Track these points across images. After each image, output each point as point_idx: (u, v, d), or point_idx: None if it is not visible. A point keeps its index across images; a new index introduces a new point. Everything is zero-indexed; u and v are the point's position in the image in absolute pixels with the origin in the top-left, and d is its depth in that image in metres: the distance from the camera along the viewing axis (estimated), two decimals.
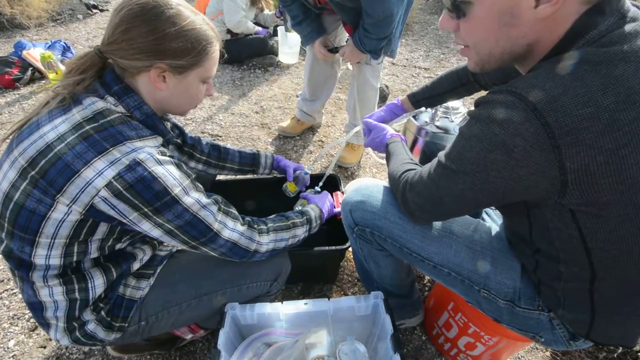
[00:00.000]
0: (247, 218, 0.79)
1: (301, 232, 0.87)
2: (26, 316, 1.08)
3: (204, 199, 0.69)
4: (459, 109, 1.27)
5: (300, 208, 0.97)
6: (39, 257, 0.64)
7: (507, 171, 0.48)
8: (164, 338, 1.00)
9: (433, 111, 1.26)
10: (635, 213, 0.47)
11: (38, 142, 0.60)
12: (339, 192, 1.12)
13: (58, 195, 0.59)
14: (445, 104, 1.26)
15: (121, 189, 0.59)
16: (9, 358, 0.98)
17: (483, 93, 1.08)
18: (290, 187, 1.15)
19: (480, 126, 0.49)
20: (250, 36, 2.57)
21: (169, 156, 0.66)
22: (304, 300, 0.87)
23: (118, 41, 0.63)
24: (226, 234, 0.72)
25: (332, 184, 1.20)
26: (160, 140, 0.69)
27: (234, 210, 0.77)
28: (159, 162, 0.63)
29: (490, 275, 0.70)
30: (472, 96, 1.05)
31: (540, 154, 0.44)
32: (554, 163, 0.44)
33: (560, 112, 0.42)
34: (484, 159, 0.49)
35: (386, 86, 2.36)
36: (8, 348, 1.00)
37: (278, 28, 2.55)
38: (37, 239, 0.62)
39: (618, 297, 0.58)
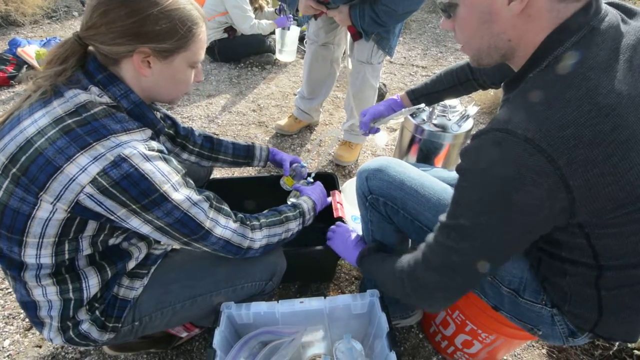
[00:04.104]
0: (240, 214, 0.78)
1: (295, 226, 0.86)
2: (21, 316, 1.07)
3: (195, 196, 0.67)
4: (456, 108, 1.27)
5: (293, 200, 0.96)
6: (29, 256, 0.62)
7: (524, 207, 0.47)
8: (159, 336, 0.99)
9: (430, 110, 1.26)
10: (638, 215, 0.48)
11: (18, 137, 0.58)
12: (336, 191, 1.12)
13: (41, 193, 0.56)
14: (442, 103, 1.26)
15: (107, 186, 0.57)
16: (4, 357, 0.98)
17: (481, 93, 1.08)
18: (287, 182, 1.13)
19: (480, 175, 0.49)
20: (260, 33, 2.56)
21: (158, 150, 0.63)
22: (300, 299, 0.86)
23: (97, 25, 0.59)
24: (218, 231, 0.71)
25: (329, 183, 1.20)
26: (149, 132, 0.67)
27: (226, 207, 0.75)
28: (146, 158, 0.60)
29: None
30: (469, 95, 1.05)
31: (546, 180, 0.44)
32: (560, 185, 0.45)
33: (549, 137, 0.44)
34: (497, 202, 0.48)
35: (384, 84, 2.35)
36: (3, 347, 0.99)
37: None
38: (24, 239, 0.60)
39: (625, 294, 0.58)
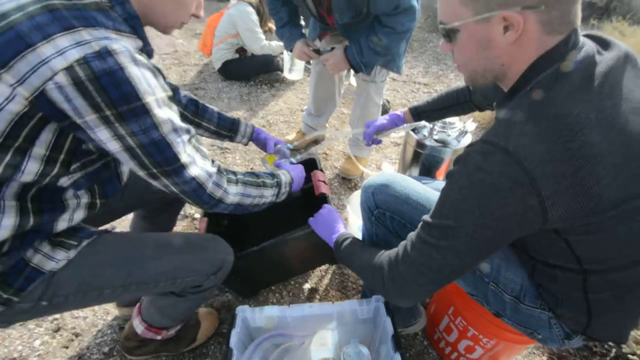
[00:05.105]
0: (217, 161, 0.72)
1: (269, 194, 0.82)
2: (50, 318, 1.14)
3: (178, 122, 0.60)
4: (455, 124, 1.35)
5: None
6: None
7: (500, 210, 0.53)
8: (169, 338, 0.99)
9: (431, 126, 1.34)
10: (609, 223, 0.54)
11: None
12: (317, 171, 1.10)
13: (1, 71, 0.48)
14: (442, 120, 1.34)
15: (83, 78, 0.49)
16: (35, 357, 1.04)
17: (477, 114, 1.16)
18: (269, 160, 1.11)
19: (466, 177, 0.55)
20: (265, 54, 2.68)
21: (147, 61, 0.57)
22: (310, 304, 0.93)
23: None
24: (194, 170, 0.64)
25: (311, 165, 1.18)
26: (140, 44, 0.60)
27: (204, 149, 0.69)
28: (135, 62, 0.53)
29: (502, 270, 0.74)
30: (467, 115, 1.13)
31: (521, 188, 0.50)
32: (533, 194, 0.50)
33: (526, 150, 0.50)
34: (479, 204, 0.54)
35: (387, 101, 2.45)
36: (34, 347, 1.06)
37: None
38: None
39: (611, 297, 0.63)
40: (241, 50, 2.67)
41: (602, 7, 4.26)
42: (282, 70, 2.81)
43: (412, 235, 0.65)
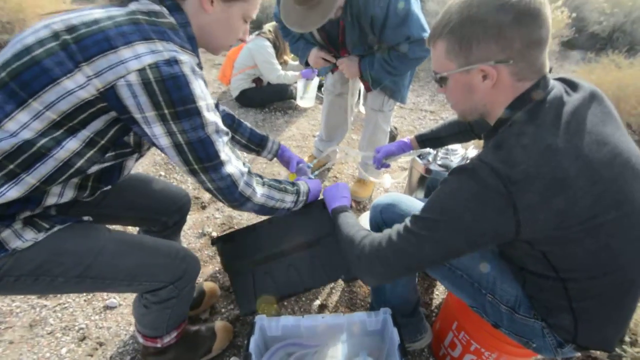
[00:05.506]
0: (247, 164, 0.80)
1: (289, 200, 0.90)
2: (76, 327, 1.22)
3: (221, 125, 0.70)
4: (457, 151, 1.45)
5: None
6: (15, 122, 0.58)
7: (480, 214, 0.62)
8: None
9: (435, 152, 1.44)
10: (576, 236, 0.62)
11: (86, 17, 0.60)
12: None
13: (83, 64, 0.57)
14: (445, 147, 1.44)
15: (152, 80, 0.58)
16: None
17: (478, 141, 1.26)
18: (290, 178, 1.20)
19: (459, 183, 0.65)
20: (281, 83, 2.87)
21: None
22: (322, 315, 0.99)
23: None
24: (229, 168, 0.72)
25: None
26: (196, 60, 0.72)
27: (238, 152, 0.78)
28: (194, 72, 0.64)
29: (497, 282, 0.81)
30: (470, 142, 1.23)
31: (500, 199, 0.59)
32: (509, 205, 0.59)
33: (507, 169, 0.59)
34: (464, 205, 0.63)
35: (395, 127, 2.57)
36: (61, 354, 1.13)
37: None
38: (30, 100, 0.57)
39: (593, 305, 0.69)
40: (257, 80, 2.87)
41: (604, 38, 4.44)
42: (295, 98, 2.99)
43: (398, 225, 0.73)
